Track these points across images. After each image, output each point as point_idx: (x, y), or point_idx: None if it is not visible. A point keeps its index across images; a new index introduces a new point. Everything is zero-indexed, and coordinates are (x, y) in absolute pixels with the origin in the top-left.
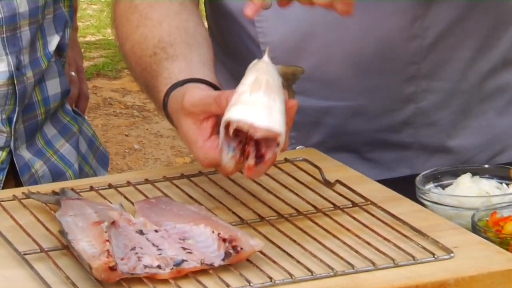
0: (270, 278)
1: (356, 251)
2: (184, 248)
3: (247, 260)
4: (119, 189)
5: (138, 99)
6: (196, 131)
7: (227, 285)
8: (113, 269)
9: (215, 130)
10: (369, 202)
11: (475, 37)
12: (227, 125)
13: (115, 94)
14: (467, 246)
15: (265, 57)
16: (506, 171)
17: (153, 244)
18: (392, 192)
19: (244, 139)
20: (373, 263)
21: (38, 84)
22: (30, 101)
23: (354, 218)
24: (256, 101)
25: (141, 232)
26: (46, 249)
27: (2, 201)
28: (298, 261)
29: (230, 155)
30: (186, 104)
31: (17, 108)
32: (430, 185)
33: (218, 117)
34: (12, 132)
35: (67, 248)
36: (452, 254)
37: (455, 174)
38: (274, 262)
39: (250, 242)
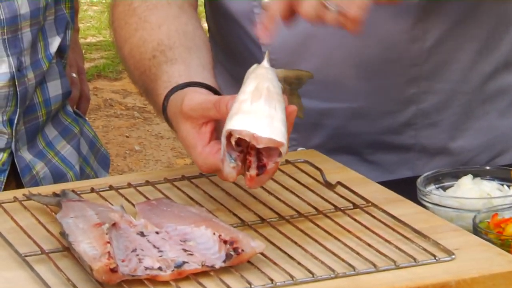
0: (271, 280)
1: (357, 253)
2: (185, 250)
3: (248, 262)
4: (120, 190)
5: (138, 101)
6: (195, 136)
7: (228, 287)
8: (114, 271)
9: (214, 135)
10: (370, 204)
11: (476, 39)
12: (229, 135)
13: (116, 96)
14: (468, 248)
15: (265, 62)
16: (507, 173)
17: (154, 246)
18: (393, 194)
19: (246, 148)
20: (374, 265)
21: (39, 85)
22: (31, 103)
23: (355, 219)
24: (257, 111)
25: (142, 234)
26: (47, 251)
27: (3, 202)
28: (299, 263)
29: (232, 165)
30: (185, 108)
31: (18, 110)
32: (431, 187)
33: (217, 122)
34: (13, 134)
35: (68, 249)
36: (453, 256)
37: (456, 175)
38: (275, 264)
39: (251, 244)
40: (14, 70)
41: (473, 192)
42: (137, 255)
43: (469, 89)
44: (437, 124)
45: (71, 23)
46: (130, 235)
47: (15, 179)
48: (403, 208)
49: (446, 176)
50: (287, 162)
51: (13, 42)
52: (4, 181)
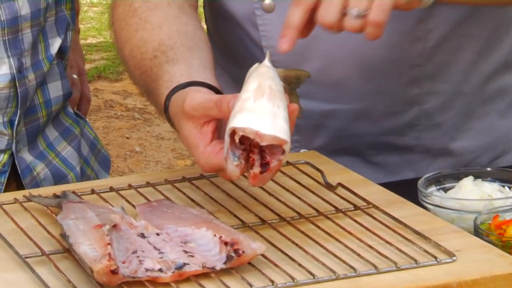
0: (272, 281)
1: (358, 255)
2: (185, 252)
3: (249, 263)
4: (121, 192)
5: (139, 102)
6: (197, 136)
7: None
8: (114, 272)
9: (216, 134)
10: (371, 205)
11: (477, 39)
12: (232, 133)
13: (116, 97)
14: (469, 250)
15: (266, 61)
16: (508, 174)
17: (155, 248)
18: (394, 195)
19: (249, 146)
20: (375, 267)
21: (40, 86)
22: (32, 104)
23: (356, 221)
24: (260, 109)
25: (142, 235)
26: (47, 252)
27: (4, 204)
28: (300, 265)
29: (236, 163)
30: (187, 108)
31: (19, 111)
32: (432, 188)
33: (218, 121)
34: (14, 135)
35: (68, 251)
36: (454, 258)
37: (457, 177)
38: (276, 265)
39: (252, 245)
40: (14, 71)
41: (474, 193)
42: (138, 256)
43: (470, 90)
44: (440, 124)
45: (71, 24)
46: (130, 237)
47: (15, 180)
48: (404, 209)
49: (447, 178)
50: (288, 163)
51: (14, 43)
52: (5, 182)
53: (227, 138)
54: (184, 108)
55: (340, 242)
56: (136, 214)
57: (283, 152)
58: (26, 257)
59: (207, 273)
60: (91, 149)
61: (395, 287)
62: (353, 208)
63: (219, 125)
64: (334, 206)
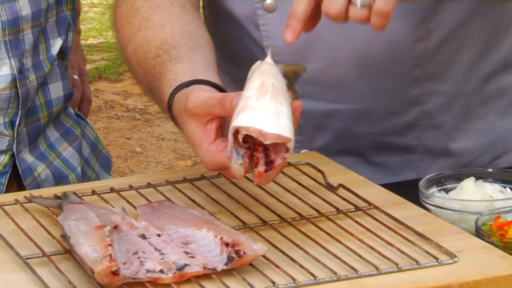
0: (273, 282)
1: (360, 256)
2: (186, 253)
3: (250, 264)
4: (122, 193)
5: (139, 102)
6: (201, 134)
7: None
8: (115, 273)
9: (219, 132)
10: (372, 206)
11: (478, 39)
12: (236, 132)
13: (117, 97)
14: (470, 251)
15: (268, 59)
16: (509, 175)
17: (156, 249)
18: (396, 196)
19: (252, 145)
20: (377, 268)
21: (41, 87)
22: (33, 105)
23: (357, 222)
24: (263, 107)
25: (143, 237)
26: (48, 253)
27: (4, 205)
28: (301, 266)
29: (240, 162)
30: (190, 106)
31: (19, 112)
32: (434, 189)
33: (222, 119)
34: (15, 136)
35: (69, 252)
36: (455, 259)
37: (459, 178)
38: (277, 266)
39: (253, 246)
40: (15, 72)
41: (475, 194)
42: (139, 257)
43: (470, 90)
44: (441, 125)
45: (72, 25)
46: (131, 238)
47: (16, 181)
48: (405, 210)
49: (449, 179)
50: (289, 164)
51: (15, 44)
52: (6, 183)
53: (230, 137)
54: (188, 106)
55: (341, 243)
56: (137, 215)
57: (287, 150)
58: (27, 258)
59: (208, 274)
60: (92, 150)
61: None
62: (354, 209)
63: (222, 123)
64: (335, 207)
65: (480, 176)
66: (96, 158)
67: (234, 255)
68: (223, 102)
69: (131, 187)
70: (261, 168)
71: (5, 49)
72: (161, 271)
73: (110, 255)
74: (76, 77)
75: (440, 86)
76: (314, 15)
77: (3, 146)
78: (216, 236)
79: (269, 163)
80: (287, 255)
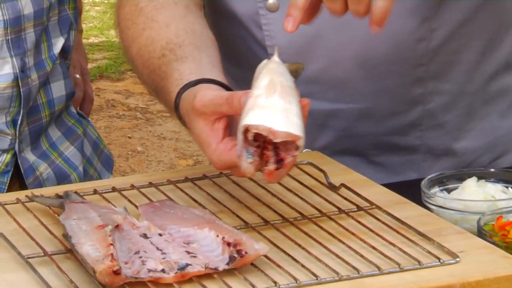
0: (275, 282)
1: (361, 256)
2: (188, 252)
3: (252, 264)
4: (123, 192)
5: (141, 101)
6: (209, 133)
7: None
8: (117, 273)
9: (227, 131)
10: (374, 206)
11: (479, 39)
12: (245, 131)
13: (118, 96)
14: (472, 251)
15: (275, 57)
16: (511, 175)
17: (157, 248)
18: (397, 196)
19: (262, 143)
20: (378, 268)
21: (43, 86)
22: (35, 104)
23: (359, 222)
24: (273, 105)
25: (145, 236)
26: (49, 253)
27: (6, 204)
28: (303, 266)
29: (250, 161)
30: (197, 105)
31: (21, 111)
32: (436, 189)
33: (230, 118)
34: (17, 135)
35: (70, 251)
36: (457, 259)
37: (461, 178)
38: (278, 266)
39: (255, 246)
40: (17, 71)
41: (477, 194)
42: (140, 257)
43: (472, 90)
44: (443, 124)
45: (74, 24)
46: (133, 237)
47: (18, 180)
48: (407, 210)
49: (451, 178)
50: None
51: (17, 42)
52: (8, 182)
53: (240, 136)
54: (195, 105)
55: (343, 243)
56: (138, 214)
57: (297, 148)
58: (28, 258)
59: (209, 274)
60: (94, 149)
61: None
62: (356, 209)
63: (230, 122)
64: (337, 207)
65: (482, 176)
66: (98, 157)
67: (235, 255)
68: (230, 101)
69: (132, 187)
70: (271, 166)
71: (7, 48)
72: (163, 270)
73: (112, 254)
74: (78, 76)
75: (442, 86)
76: (314, 7)
77: (5, 145)
78: (217, 236)
79: (279, 161)
80: (289, 255)
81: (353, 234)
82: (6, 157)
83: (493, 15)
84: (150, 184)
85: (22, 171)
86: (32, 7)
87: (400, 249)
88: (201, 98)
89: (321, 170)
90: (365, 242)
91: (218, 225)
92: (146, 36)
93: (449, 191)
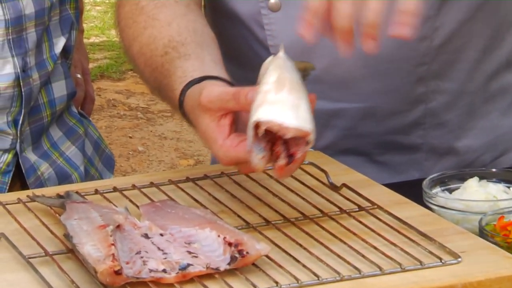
0: (276, 282)
1: (363, 256)
2: (189, 252)
3: (253, 264)
4: (124, 192)
5: (142, 101)
6: (215, 129)
7: None
8: (118, 273)
9: (233, 127)
10: (375, 206)
11: (481, 37)
12: (256, 126)
13: (119, 96)
14: (474, 251)
15: (281, 53)
16: None
17: (159, 248)
18: (399, 196)
19: (272, 139)
20: (380, 268)
21: (44, 86)
22: (36, 103)
23: (360, 222)
24: (282, 101)
25: (146, 236)
26: (50, 253)
27: (7, 204)
28: (304, 266)
29: (260, 156)
30: (204, 101)
31: (23, 110)
32: (437, 189)
33: (235, 114)
34: (18, 134)
35: (72, 251)
36: (459, 259)
37: (462, 178)
38: (280, 266)
39: (256, 246)
40: (19, 70)
41: (479, 194)
42: (142, 257)
43: (474, 88)
44: (445, 123)
45: (76, 24)
46: (134, 237)
47: (19, 180)
48: (408, 210)
49: (452, 179)
50: None
51: (18, 42)
52: (9, 182)
53: (250, 132)
54: (201, 101)
55: (345, 243)
56: (139, 214)
57: (307, 143)
58: (30, 257)
59: (211, 274)
60: (95, 149)
61: None
62: (357, 209)
63: (236, 118)
64: (338, 207)
65: (484, 176)
66: (99, 157)
67: (237, 255)
68: (237, 96)
69: (134, 187)
70: (282, 161)
71: (8, 48)
72: (164, 270)
73: (113, 254)
74: (79, 76)
75: (444, 85)
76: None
77: (6, 145)
78: (219, 236)
79: (289, 156)
80: (290, 255)
81: (354, 234)
82: (7, 157)
83: (494, 14)
84: (151, 184)
85: (23, 171)
86: (34, 7)
87: (402, 249)
88: (208, 94)
89: (322, 170)
90: (366, 242)
91: (219, 225)
92: (147, 34)
93: (450, 191)
